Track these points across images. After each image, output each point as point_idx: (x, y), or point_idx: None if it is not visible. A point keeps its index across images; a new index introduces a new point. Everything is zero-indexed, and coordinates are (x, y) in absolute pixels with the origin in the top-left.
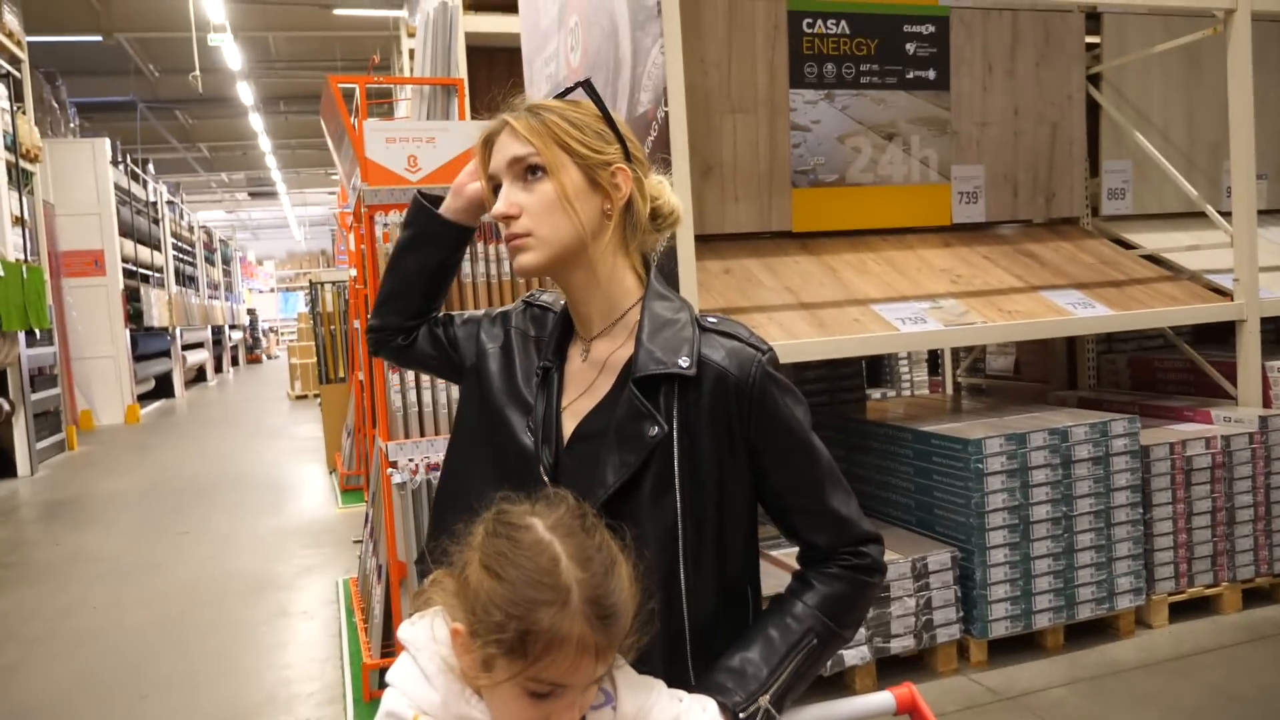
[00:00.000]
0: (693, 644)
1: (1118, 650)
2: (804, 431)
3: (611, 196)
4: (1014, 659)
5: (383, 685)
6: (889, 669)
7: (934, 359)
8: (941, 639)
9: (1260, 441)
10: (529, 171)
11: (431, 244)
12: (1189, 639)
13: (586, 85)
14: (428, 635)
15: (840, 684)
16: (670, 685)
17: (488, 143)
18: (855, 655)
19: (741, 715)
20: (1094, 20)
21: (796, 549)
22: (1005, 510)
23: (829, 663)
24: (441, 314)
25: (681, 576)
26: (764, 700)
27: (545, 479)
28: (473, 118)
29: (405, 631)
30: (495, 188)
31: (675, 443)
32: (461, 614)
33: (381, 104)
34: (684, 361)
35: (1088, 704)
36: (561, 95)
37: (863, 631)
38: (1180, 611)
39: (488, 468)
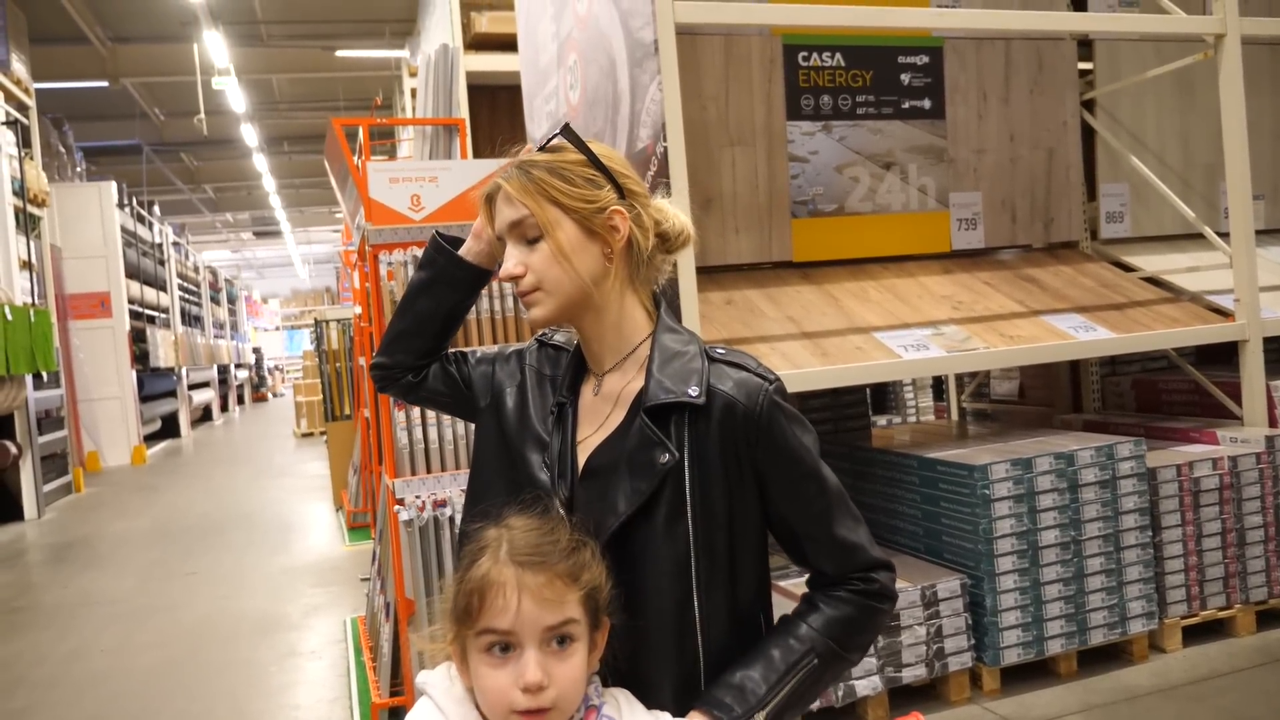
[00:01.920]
0: (707, 673)
1: (1132, 675)
2: (812, 460)
3: (610, 240)
4: (1027, 686)
5: None
6: (901, 699)
7: (939, 385)
8: (953, 667)
9: (1268, 461)
10: (527, 232)
11: (449, 286)
12: (1203, 663)
13: (565, 131)
14: (444, 675)
15: (853, 715)
16: (682, 715)
17: (490, 200)
18: (867, 685)
19: None
20: (1086, 47)
21: (806, 577)
22: (1013, 536)
23: (840, 693)
24: (453, 351)
25: (695, 605)
26: (760, 717)
27: (562, 513)
28: (474, 156)
29: (422, 676)
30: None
31: (686, 470)
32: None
33: (384, 144)
34: (694, 390)
35: None
36: (544, 144)
37: (874, 661)
38: (1194, 635)
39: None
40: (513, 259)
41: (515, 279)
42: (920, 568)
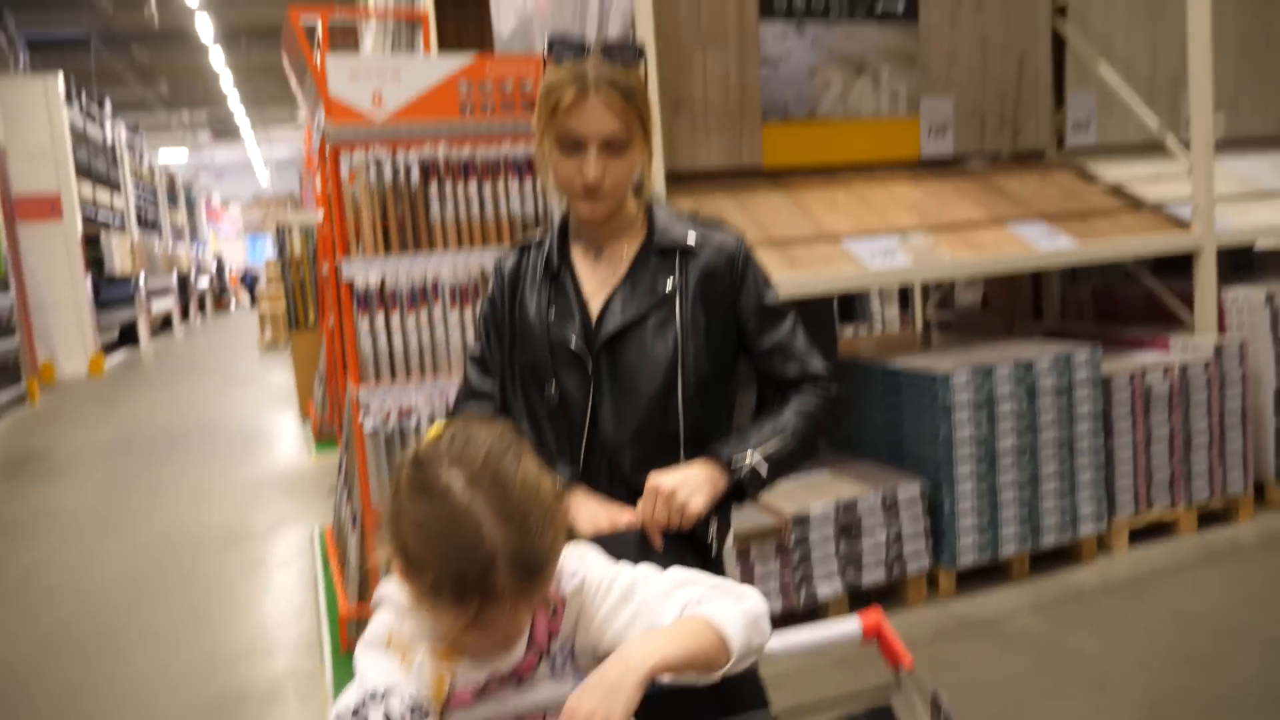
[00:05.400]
0: (686, 441)
1: (1080, 575)
2: (775, 297)
3: (649, 153)
4: (981, 587)
5: (361, 631)
6: (861, 603)
7: (905, 293)
8: (912, 570)
9: (1215, 368)
10: (614, 141)
11: None
12: (1147, 562)
13: (642, 53)
14: (398, 585)
15: (814, 619)
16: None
17: (574, 92)
18: (829, 589)
19: (733, 459)
20: None
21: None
22: (972, 442)
23: (802, 597)
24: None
25: (679, 387)
26: (754, 454)
27: (572, 350)
28: (440, 51)
29: (380, 590)
30: (570, 139)
31: (677, 296)
32: (394, 550)
33: (347, 38)
34: (690, 239)
35: (1052, 628)
36: (628, 61)
37: (835, 565)
38: (1140, 535)
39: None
40: (597, 166)
41: (598, 184)
42: (881, 474)
